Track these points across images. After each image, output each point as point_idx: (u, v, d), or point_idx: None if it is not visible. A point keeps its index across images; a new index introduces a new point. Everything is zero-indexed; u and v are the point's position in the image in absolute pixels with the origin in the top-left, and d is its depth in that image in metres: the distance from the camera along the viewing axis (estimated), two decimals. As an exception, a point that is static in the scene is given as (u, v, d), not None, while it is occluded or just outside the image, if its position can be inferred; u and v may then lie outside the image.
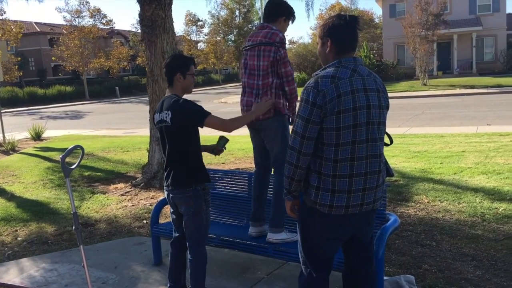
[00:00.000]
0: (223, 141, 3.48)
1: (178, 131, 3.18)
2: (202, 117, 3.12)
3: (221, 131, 3.26)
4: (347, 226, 2.52)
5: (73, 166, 3.36)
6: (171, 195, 3.30)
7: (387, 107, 2.54)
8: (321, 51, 2.55)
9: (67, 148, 3.32)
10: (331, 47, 2.47)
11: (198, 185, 3.22)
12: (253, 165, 7.84)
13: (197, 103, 3.25)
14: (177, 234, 3.46)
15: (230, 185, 4.47)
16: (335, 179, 2.40)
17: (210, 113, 3.16)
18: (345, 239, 2.61)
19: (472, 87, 24.48)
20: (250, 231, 3.79)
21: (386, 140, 2.64)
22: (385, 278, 3.43)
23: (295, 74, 40.22)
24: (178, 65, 3.25)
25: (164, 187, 3.37)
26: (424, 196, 5.86)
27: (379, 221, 3.34)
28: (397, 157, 8.25)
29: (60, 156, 3.23)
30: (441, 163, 7.60)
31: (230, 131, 3.27)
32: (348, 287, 2.78)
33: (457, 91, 23.45)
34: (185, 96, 3.32)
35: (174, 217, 3.43)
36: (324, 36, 2.50)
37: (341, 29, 2.45)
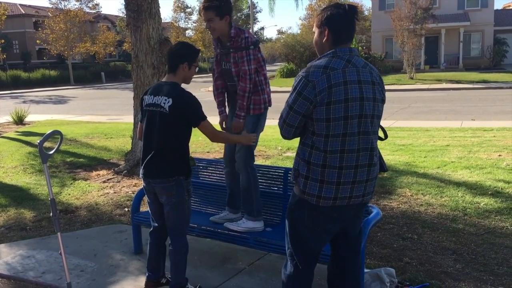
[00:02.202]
0: (192, 161, 3.40)
1: (174, 121, 3.08)
2: (199, 118, 3.12)
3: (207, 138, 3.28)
4: (336, 219, 2.50)
5: (51, 152, 3.27)
6: (152, 184, 3.22)
7: (383, 101, 2.50)
8: (318, 40, 2.49)
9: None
10: (328, 36, 2.42)
11: (181, 175, 3.16)
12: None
13: (198, 102, 3.19)
14: (156, 224, 3.40)
15: (214, 174, 4.41)
16: (324, 169, 2.37)
17: (206, 117, 3.17)
18: (334, 233, 2.58)
19: (458, 82, 24.68)
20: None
21: (381, 134, 2.61)
22: (366, 270, 3.43)
23: (284, 64, 40.19)
24: (188, 54, 3.17)
25: (141, 174, 3.27)
26: (407, 189, 5.88)
27: (362, 214, 3.33)
28: (382, 150, 8.19)
29: (38, 141, 3.14)
30: (425, 157, 7.64)
31: (213, 141, 3.41)
32: (332, 279, 2.77)
33: (443, 85, 23.61)
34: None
35: (153, 206, 3.36)
36: (322, 25, 2.44)
37: (339, 19, 2.41)
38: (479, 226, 4.65)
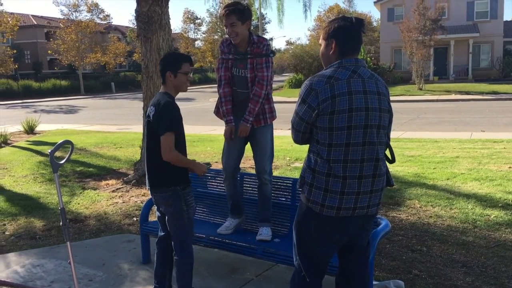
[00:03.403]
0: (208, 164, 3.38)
1: (157, 130, 3.11)
2: (165, 128, 3.05)
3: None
4: (343, 231, 2.49)
5: (62, 161, 3.31)
6: (153, 193, 3.27)
7: (389, 111, 2.51)
8: (324, 52, 2.52)
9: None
10: (335, 48, 2.45)
11: (177, 186, 3.16)
12: (245, 165, 7.81)
13: (173, 112, 3.10)
14: (162, 233, 3.43)
15: (221, 184, 4.42)
16: (328, 178, 2.38)
17: (174, 132, 3.06)
18: (341, 244, 2.58)
19: (468, 93, 24.57)
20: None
21: (388, 153, 2.60)
22: (374, 282, 3.41)
23: (292, 75, 40.28)
24: (168, 63, 3.19)
25: (147, 184, 3.33)
26: (416, 201, 5.85)
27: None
28: (390, 161, 8.22)
29: (49, 151, 3.18)
30: (434, 168, 7.59)
31: (165, 158, 3.08)
32: None
33: (453, 96, 23.52)
34: (180, 95, 3.27)
35: (159, 215, 3.40)
36: (329, 37, 2.47)
37: (346, 31, 2.44)
38: (489, 238, 4.61)
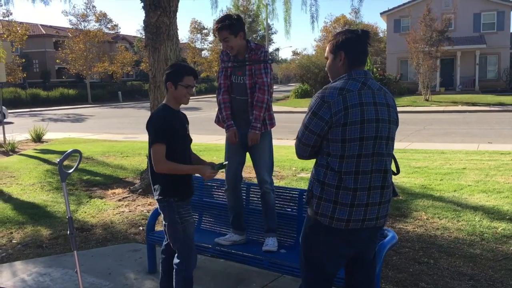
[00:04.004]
0: (222, 165, 3.23)
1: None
2: (151, 140, 3.10)
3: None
4: (351, 243, 2.49)
5: (70, 171, 3.34)
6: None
7: (396, 123, 2.54)
8: (332, 65, 2.53)
9: (67, 151, 3.30)
10: (344, 60, 2.47)
11: (171, 197, 3.15)
12: (252, 175, 7.78)
13: (157, 124, 3.11)
14: (167, 242, 3.43)
15: (227, 194, 4.42)
16: (338, 190, 2.38)
17: (162, 143, 3.03)
18: (349, 257, 2.57)
19: (474, 104, 24.50)
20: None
21: (393, 167, 2.62)
22: (381, 295, 3.39)
23: (298, 85, 40.36)
24: (170, 73, 3.18)
25: None
26: (423, 213, 5.82)
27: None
28: (397, 172, 8.20)
29: (58, 160, 3.21)
30: (441, 180, 7.56)
31: (157, 170, 3.09)
32: None
33: (459, 107, 23.47)
34: (181, 108, 3.28)
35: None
36: (337, 49, 2.49)
37: (354, 43, 2.47)
38: (497, 251, 4.57)
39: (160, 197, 3.17)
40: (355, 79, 2.43)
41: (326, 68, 2.62)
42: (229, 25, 3.68)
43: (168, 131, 3.11)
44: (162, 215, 3.26)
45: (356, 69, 2.46)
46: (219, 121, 3.98)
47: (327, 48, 2.59)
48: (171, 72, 3.19)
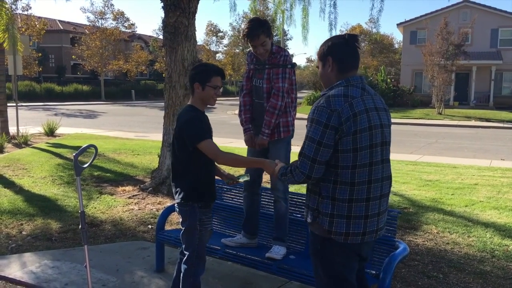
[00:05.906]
0: (243, 178, 3.28)
1: (177, 144, 3.09)
2: (195, 138, 2.99)
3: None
4: (361, 252, 2.48)
5: (85, 165, 3.36)
6: (177, 206, 3.23)
7: (390, 127, 2.53)
8: (323, 72, 2.46)
9: (79, 146, 3.34)
10: (333, 66, 2.40)
11: (195, 203, 3.08)
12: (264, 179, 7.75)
13: (196, 123, 3.05)
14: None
15: (237, 197, 4.43)
16: (351, 204, 2.31)
17: (205, 137, 2.99)
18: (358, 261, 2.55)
19: (488, 120, 24.29)
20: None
21: None
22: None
23: (311, 92, 40.36)
24: (197, 74, 3.11)
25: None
26: (434, 226, 5.77)
27: (387, 248, 3.28)
28: (407, 184, 8.15)
29: (74, 154, 3.22)
30: (452, 194, 7.49)
31: (219, 162, 3.07)
32: None
33: (473, 123, 23.27)
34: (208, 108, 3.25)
35: None
36: (325, 56, 2.43)
37: (341, 47, 2.41)
38: (508, 269, 4.51)
39: (182, 201, 3.09)
40: (353, 85, 2.36)
41: (319, 77, 2.57)
42: (267, 28, 3.61)
43: (209, 130, 3.12)
44: (180, 217, 3.16)
45: (348, 75, 2.39)
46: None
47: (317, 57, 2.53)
48: (198, 72, 3.11)
